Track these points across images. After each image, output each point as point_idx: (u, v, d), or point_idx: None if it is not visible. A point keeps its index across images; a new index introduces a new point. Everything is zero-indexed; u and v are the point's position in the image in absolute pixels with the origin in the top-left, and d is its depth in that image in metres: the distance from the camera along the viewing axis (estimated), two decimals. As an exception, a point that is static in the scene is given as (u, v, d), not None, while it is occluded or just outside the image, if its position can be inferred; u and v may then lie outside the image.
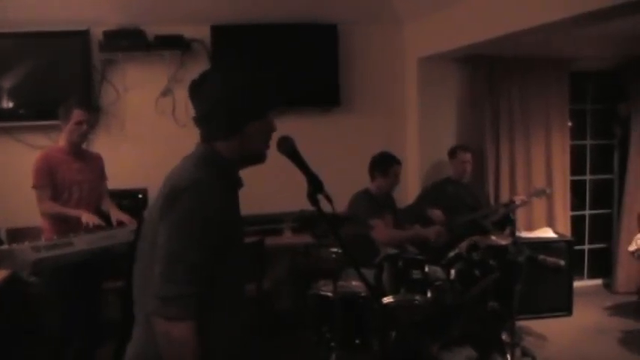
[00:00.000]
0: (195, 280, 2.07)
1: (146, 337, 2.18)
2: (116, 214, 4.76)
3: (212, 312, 2.18)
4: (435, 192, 6.36)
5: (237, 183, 2.36)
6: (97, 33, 6.10)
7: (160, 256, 2.10)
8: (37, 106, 5.86)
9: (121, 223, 4.66)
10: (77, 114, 4.61)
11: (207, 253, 2.09)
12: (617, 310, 6.90)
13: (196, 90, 2.28)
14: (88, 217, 4.45)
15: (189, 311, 2.06)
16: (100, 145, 5.93)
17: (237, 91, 2.24)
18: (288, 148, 2.32)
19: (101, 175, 4.97)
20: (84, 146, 4.94)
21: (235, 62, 2.32)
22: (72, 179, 4.65)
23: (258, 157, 2.34)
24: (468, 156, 6.40)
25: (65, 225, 4.45)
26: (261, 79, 2.30)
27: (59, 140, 4.78)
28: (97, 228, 4.40)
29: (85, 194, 4.70)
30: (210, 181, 2.17)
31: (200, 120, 2.29)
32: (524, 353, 5.11)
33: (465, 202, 6.21)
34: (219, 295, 2.19)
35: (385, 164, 5.39)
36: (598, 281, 7.86)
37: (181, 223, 2.08)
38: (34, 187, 4.57)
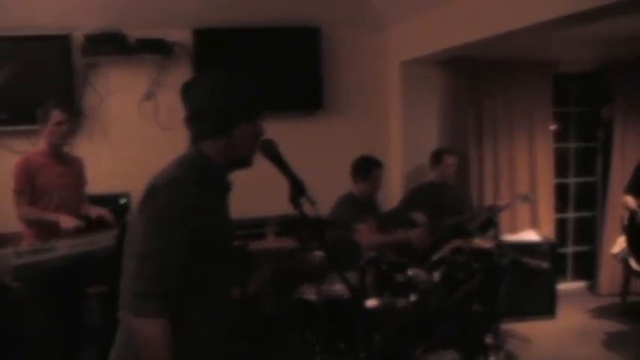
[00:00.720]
0: (165, 278, 2.08)
1: (127, 338, 2.18)
2: (94, 211, 4.73)
3: (192, 312, 2.19)
4: (419, 195, 6.33)
5: (225, 186, 2.36)
6: (79, 37, 6.04)
7: (134, 252, 2.13)
8: (19, 111, 5.79)
9: (101, 218, 4.63)
10: (56, 114, 4.56)
11: (180, 252, 2.11)
12: (601, 312, 6.93)
13: (188, 90, 2.30)
14: (65, 221, 4.42)
15: (158, 309, 2.07)
16: (83, 149, 5.88)
17: (227, 92, 2.26)
18: (271, 152, 2.32)
19: (82, 180, 4.92)
20: (65, 149, 4.90)
21: (226, 68, 2.33)
22: (52, 183, 4.61)
23: (245, 161, 2.34)
24: (453, 159, 6.38)
25: (45, 230, 4.42)
26: (251, 83, 2.32)
27: (39, 144, 4.74)
28: (76, 231, 4.37)
29: (65, 198, 4.66)
30: (189, 180, 2.18)
31: (190, 119, 2.30)
32: (508, 356, 5.12)
33: (448, 206, 6.20)
34: (199, 295, 2.21)
35: (366, 168, 5.39)
36: (581, 284, 7.90)
37: (156, 221, 2.11)
38: (14, 191, 4.54)
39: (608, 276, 7.42)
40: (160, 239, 2.09)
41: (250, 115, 2.29)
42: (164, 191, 2.13)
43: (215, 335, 2.30)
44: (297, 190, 2.28)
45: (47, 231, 4.41)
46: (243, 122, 2.26)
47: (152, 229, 2.11)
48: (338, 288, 4.49)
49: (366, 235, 5.11)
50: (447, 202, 6.23)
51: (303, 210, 2.28)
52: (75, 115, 5.64)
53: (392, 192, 6.77)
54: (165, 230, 2.10)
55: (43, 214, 4.52)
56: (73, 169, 4.84)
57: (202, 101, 2.26)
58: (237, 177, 2.39)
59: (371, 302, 4.34)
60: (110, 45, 6.05)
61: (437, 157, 6.42)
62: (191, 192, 2.15)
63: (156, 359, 2.08)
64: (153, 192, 2.15)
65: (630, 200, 6.02)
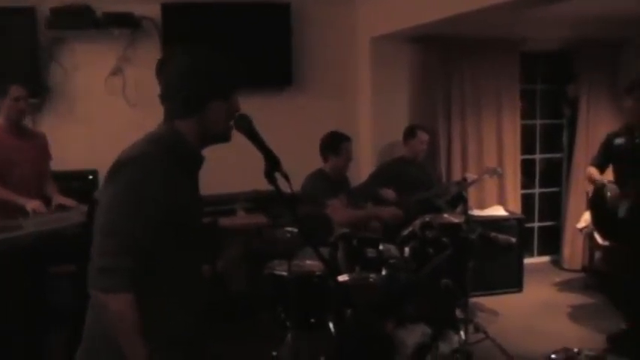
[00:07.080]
0: (129, 252, 2.06)
1: (96, 315, 2.16)
2: (58, 199, 4.68)
3: (162, 289, 2.19)
4: (388, 171, 6.35)
5: (197, 163, 2.34)
6: (44, 10, 5.95)
7: (97, 228, 2.11)
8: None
9: (61, 207, 4.58)
10: (14, 90, 4.51)
11: (144, 226, 2.09)
12: (566, 285, 7.05)
13: (162, 67, 2.28)
14: (33, 206, 4.37)
15: (124, 284, 2.05)
16: (49, 125, 5.82)
17: (200, 71, 2.24)
18: (246, 127, 2.31)
19: (44, 155, 4.85)
20: (30, 125, 4.83)
21: (195, 43, 2.30)
22: (12, 159, 4.55)
23: (221, 137, 2.33)
24: (426, 136, 6.42)
25: (10, 208, 4.37)
26: (225, 59, 2.30)
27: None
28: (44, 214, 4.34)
29: (26, 174, 4.60)
30: (155, 156, 2.16)
31: (163, 98, 2.29)
32: (477, 329, 5.16)
33: (418, 182, 6.23)
34: (168, 272, 2.20)
35: (335, 143, 5.37)
36: (547, 258, 8.03)
37: (119, 195, 2.10)
38: None
39: (572, 251, 7.55)
40: (124, 214, 2.08)
41: (223, 93, 2.27)
42: (128, 167, 2.11)
43: (188, 312, 2.29)
44: (272, 164, 2.28)
45: (13, 209, 4.36)
46: (213, 100, 2.24)
47: (115, 205, 2.10)
48: (309, 263, 4.51)
49: (337, 210, 5.11)
50: (416, 178, 6.26)
51: (278, 185, 2.28)
52: (40, 91, 5.58)
53: (362, 168, 6.77)
54: (129, 205, 2.08)
55: (10, 196, 4.46)
56: (35, 144, 4.77)
57: (175, 79, 2.23)
58: (207, 153, 2.37)
59: (342, 277, 4.35)
60: (77, 19, 5.94)
61: (411, 132, 6.44)
62: (156, 168, 2.13)
63: (125, 334, 2.06)
64: (117, 168, 2.13)
65: (594, 171, 6.05)
